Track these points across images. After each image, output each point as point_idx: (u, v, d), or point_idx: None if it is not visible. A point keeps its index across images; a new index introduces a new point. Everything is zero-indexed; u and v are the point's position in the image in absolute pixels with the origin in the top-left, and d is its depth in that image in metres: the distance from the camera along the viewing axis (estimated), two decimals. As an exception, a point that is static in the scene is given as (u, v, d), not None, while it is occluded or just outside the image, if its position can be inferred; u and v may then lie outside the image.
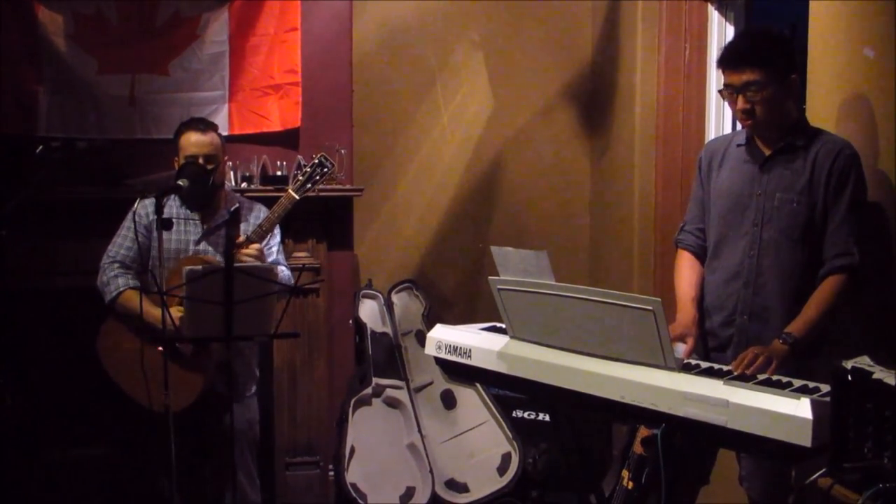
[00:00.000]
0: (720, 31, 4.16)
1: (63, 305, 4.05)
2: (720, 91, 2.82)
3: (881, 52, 2.72)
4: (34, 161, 3.82)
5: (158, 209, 2.98)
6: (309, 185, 3.36)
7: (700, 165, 3.00)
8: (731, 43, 2.81)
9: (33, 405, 4.02)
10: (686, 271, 2.98)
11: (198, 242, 3.43)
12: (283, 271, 3.42)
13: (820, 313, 2.62)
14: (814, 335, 2.61)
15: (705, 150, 3.03)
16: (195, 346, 3.22)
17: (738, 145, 2.88)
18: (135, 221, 3.31)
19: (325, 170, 3.37)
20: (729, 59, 2.73)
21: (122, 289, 3.35)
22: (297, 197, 3.34)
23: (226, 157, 3.54)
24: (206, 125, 3.44)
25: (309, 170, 3.36)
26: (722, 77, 2.79)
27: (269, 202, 3.56)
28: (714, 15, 4.17)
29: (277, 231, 3.51)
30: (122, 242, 3.42)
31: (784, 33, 2.84)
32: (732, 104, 2.76)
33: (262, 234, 3.31)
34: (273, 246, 3.48)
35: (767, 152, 2.78)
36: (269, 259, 3.42)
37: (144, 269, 3.32)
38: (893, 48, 2.67)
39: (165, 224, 3.01)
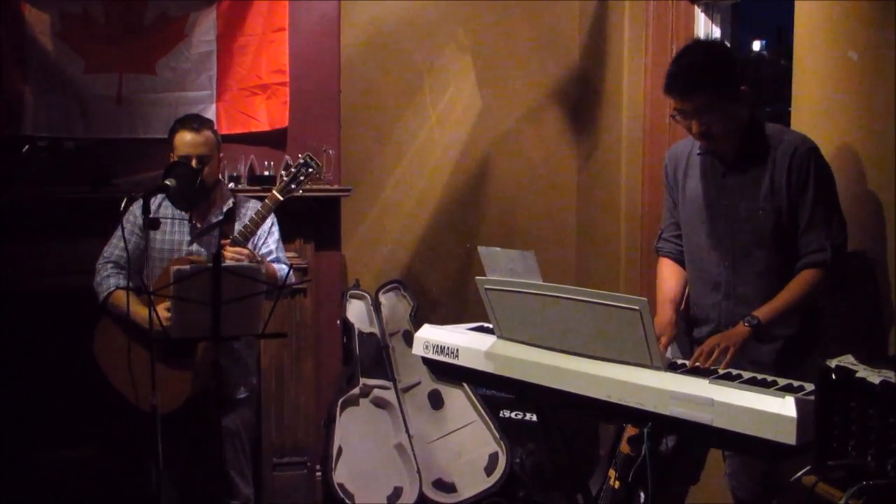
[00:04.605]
0: (707, 33, 4.18)
1: (50, 306, 4.03)
2: (672, 116, 2.78)
3: (865, 55, 2.75)
4: (20, 161, 3.81)
5: (146, 209, 2.98)
6: (293, 186, 3.31)
7: (666, 173, 3.00)
8: (674, 70, 2.72)
9: (21, 406, 4.00)
10: (667, 276, 3.00)
11: (191, 243, 3.42)
12: (283, 269, 3.38)
13: (789, 302, 2.64)
14: (779, 322, 2.64)
15: (668, 157, 3.02)
16: (183, 346, 3.21)
17: (699, 153, 2.87)
18: (122, 221, 3.29)
19: (310, 170, 3.33)
20: (676, 88, 2.69)
21: (112, 289, 3.36)
22: (280, 198, 3.30)
23: (221, 155, 3.51)
24: (199, 123, 3.41)
25: (294, 170, 3.32)
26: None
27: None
28: (701, 17, 4.20)
29: (275, 229, 3.49)
30: (117, 243, 3.43)
31: (723, 49, 2.83)
32: (687, 129, 2.73)
33: (246, 235, 3.28)
34: (271, 245, 3.46)
35: (727, 161, 2.78)
36: (269, 258, 3.40)
37: (140, 269, 3.32)
38: (878, 51, 2.70)
39: (152, 224, 3.01)
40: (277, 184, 3.36)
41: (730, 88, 2.65)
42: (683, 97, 2.67)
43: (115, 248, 3.43)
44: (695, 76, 2.65)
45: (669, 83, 2.71)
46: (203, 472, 3.44)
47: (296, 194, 3.35)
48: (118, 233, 3.41)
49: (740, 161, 2.75)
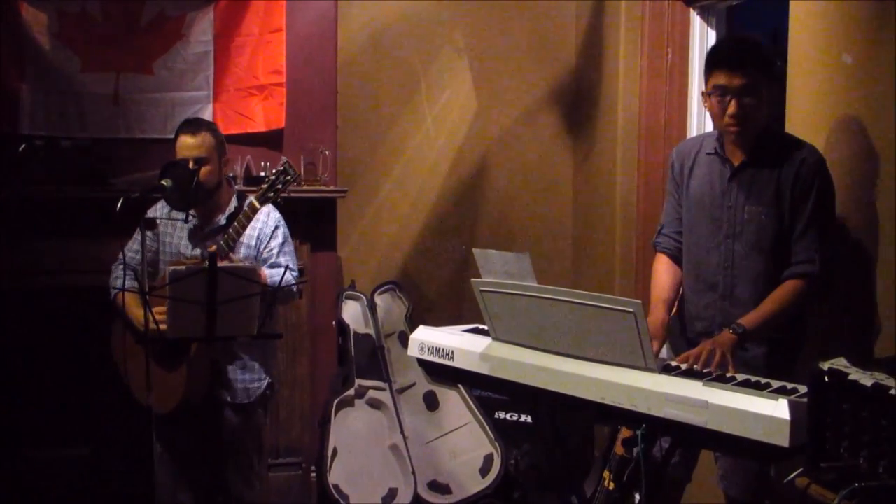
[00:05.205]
0: (702, 36, 4.20)
1: (45, 305, 4.03)
2: (706, 94, 2.73)
3: (859, 58, 2.76)
4: (17, 159, 3.81)
5: (143, 209, 2.98)
6: (271, 194, 3.27)
7: (672, 168, 2.99)
8: (726, 44, 2.73)
9: (19, 405, 4.00)
10: (662, 275, 2.99)
11: (195, 246, 3.41)
12: (277, 275, 3.26)
13: (774, 311, 2.65)
14: (764, 330, 2.65)
15: (676, 153, 3.01)
16: (179, 346, 3.21)
17: (708, 153, 2.87)
18: (139, 224, 3.30)
19: (288, 177, 3.26)
20: (728, 60, 2.65)
21: (118, 290, 3.36)
22: (258, 206, 3.28)
23: (226, 157, 3.48)
24: (196, 126, 3.39)
25: (272, 178, 3.28)
26: (706, 80, 2.73)
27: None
28: (696, 20, 4.21)
29: (280, 233, 3.45)
30: (131, 245, 3.45)
31: (767, 44, 2.83)
32: (720, 108, 2.68)
33: (229, 243, 3.25)
34: (273, 248, 3.44)
35: (736, 163, 2.78)
36: (269, 262, 3.39)
37: (150, 271, 3.31)
38: (872, 54, 2.71)
39: (149, 224, 3.01)
40: (256, 191, 3.31)
41: (771, 77, 2.68)
42: (734, 70, 2.64)
43: (129, 249, 3.46)
44: (750, 50, 2.67)
45: (722, 56, 2.69)
46: (204, 474, 3.43)
47: (274, 202, 3.32)
48: (135, 235, 3.43)
49: (749, 164, 2.75)
